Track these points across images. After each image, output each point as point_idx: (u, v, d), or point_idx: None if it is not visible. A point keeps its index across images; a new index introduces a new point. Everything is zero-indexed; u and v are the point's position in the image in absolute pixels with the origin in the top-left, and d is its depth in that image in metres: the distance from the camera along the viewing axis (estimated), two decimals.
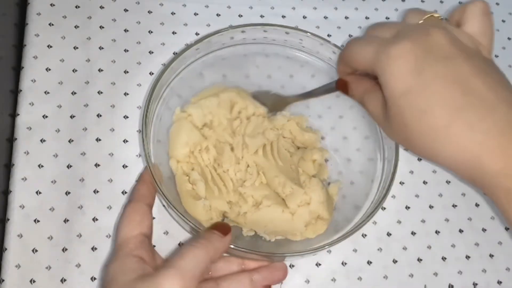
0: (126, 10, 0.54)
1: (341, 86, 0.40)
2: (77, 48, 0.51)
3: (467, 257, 0.49)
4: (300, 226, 0.44)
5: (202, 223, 0.42)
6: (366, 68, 0.35)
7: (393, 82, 0.32)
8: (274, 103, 0.49)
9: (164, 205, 0.44)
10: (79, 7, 0.53)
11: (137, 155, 0.47)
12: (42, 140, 0.46)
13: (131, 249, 0.36)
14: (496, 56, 0.58)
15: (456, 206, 0.51)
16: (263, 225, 0.44)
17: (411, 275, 0.47)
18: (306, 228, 0.44)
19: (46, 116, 0.47)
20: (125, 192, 0.46)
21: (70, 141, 0.47)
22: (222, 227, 0.38)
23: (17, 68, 0.49)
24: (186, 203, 0.43)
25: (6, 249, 0.42)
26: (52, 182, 0.45)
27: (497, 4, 0.62)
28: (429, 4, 0.60)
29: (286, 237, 0.44)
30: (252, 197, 0.44)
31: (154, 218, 0.41)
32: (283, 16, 0.57)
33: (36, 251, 0.42)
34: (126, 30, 0.53)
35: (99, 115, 0.48)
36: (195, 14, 0.55)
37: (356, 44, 0.36)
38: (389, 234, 0.48)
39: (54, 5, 0.52)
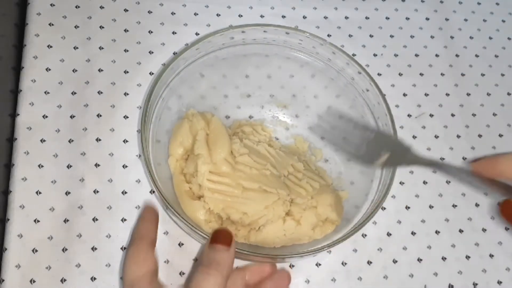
0: (126, 10, 0.54)
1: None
2: (77, 48, 0.51)
3: (467, 257, 0.49)
4: (307, 230, 0.43)
5: (201, 224, 0.42)
6: None
7: None
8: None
9: (163, 207, 0.44)
10: (79, 7, 0.53)
11: (137, 155, 0.47)
12: (42, 140, 0.46)
13: None
14: (496, 56, 0.58)
15: (456, 206, 0.51)
16: (271, 242, 0.43)
17: (411, 275, 0.47)
18: (313, 231, 0.43)
19: (46, 116, 0.47)
20: (125, 192, 0.46)
21: (70, 141, 0.47)
22: (224, 236, 0.37)
23: (17, 68, 0.49)
24: (184, 203, 0.43)
25: (6, 249, 0.42)
26: (52, 182, 0.45)
27: (497, 4, 0.62)
28: (429, 5, 0.60)
29: (293, 244, 0.44)
30: (243, 221, 0.43)
31: None
32: (283, 16, 0.57)
33: (36, 251, 0.42)
34: (126, 30, 0.53)
35: (99, 115, 0.48)
36: (195, 14, 0.55)
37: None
38: (389, 234, 0.48)
39: (54, 5, 0.52)
